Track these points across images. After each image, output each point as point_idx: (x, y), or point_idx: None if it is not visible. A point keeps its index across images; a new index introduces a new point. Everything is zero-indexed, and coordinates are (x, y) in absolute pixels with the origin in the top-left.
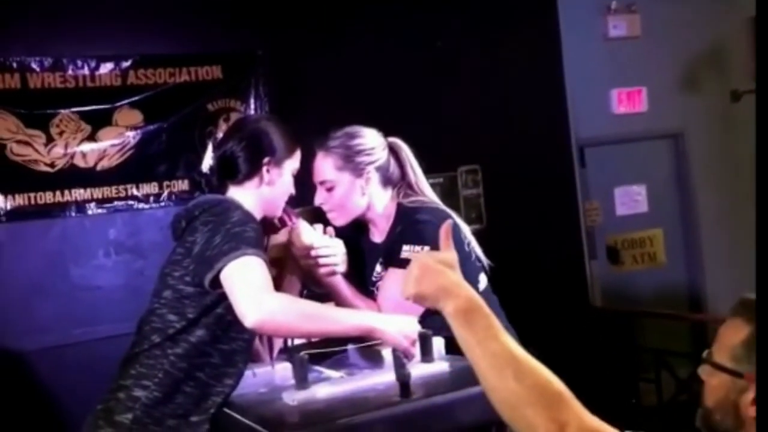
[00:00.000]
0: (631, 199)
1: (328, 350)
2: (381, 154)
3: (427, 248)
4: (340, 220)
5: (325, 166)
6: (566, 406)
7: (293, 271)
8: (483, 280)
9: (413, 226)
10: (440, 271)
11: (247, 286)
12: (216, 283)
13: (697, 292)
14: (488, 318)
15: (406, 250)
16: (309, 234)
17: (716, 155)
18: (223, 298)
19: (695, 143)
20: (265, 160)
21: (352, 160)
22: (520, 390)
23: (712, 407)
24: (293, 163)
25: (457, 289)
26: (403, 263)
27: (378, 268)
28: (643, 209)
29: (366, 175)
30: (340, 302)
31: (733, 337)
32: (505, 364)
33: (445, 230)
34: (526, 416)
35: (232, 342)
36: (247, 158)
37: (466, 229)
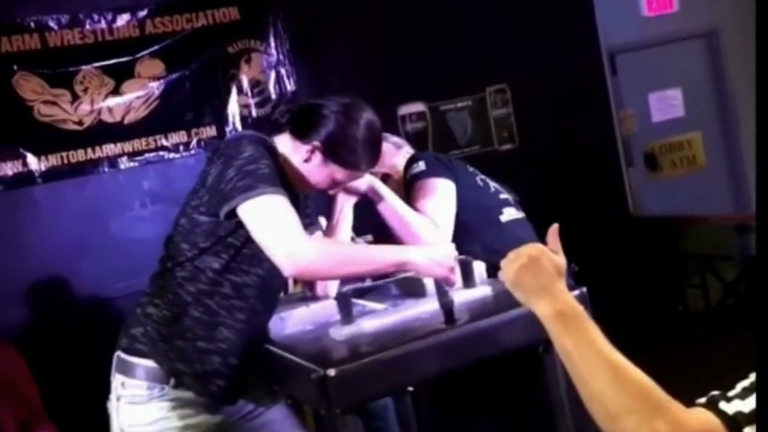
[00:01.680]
0: (667, 104)
1: (372, 284)
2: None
3: (422, 162)
4: (392, 181)
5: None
6: (669, 412)
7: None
8: (508, 212)
9: (408, 160)
10: (548, 270)
11: (277, 232)
12: (231, 214)
13: (740, 193)
14: (587, 323)
15: (409, 172)
16: None
17: (750, 51)
18: (238, 227)
19: (730, 41)
20: (315, 142)
21: (389, 139)
22: (621, 397)
23: None
24: (337, 175)
25: (559, 293)
26: (412, 180)
27: None
28: (680, 113)
29: (403, 151)
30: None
31: None
32: (605, 370)
33: (552, 232)
34: (628, 427)
35: (243, 275)
36: (308, 125)
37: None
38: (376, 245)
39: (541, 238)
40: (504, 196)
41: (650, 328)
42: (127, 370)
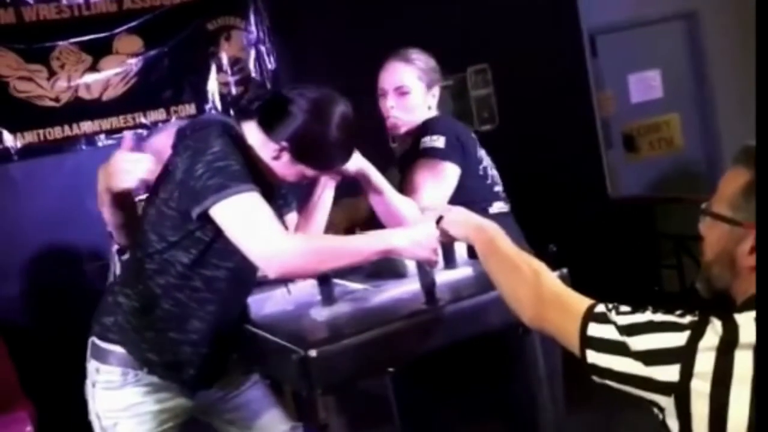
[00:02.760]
0: (646, 85)
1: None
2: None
3: (443, 138)
4: (402, 128)
5: (406, 72)
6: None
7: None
8: (496, 206)
9: (431, 122)
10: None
11: (255, 234)
12: (204, 217)
13: (716, 174)
14: (496, 239)
15: (425, 141)
16: None
17: (730, 33)
18: (207, 222)
19: (709, 22)
20: (283, 143)
21: (429, 75)
22: (516, 282)
23: (711, 260)
24: (308, 172)
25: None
26: (425, 152)
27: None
28: (658, 95)
29: (433, 92)
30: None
31: (732, 184)
32: (505, 268)
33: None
34: (523, 297)
35: (214, 269)
36: (276, 121)
37: (483, 153)
38: (358, 235)
39: (525, 230)
40: (498, 188)
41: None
42: (101, 356)
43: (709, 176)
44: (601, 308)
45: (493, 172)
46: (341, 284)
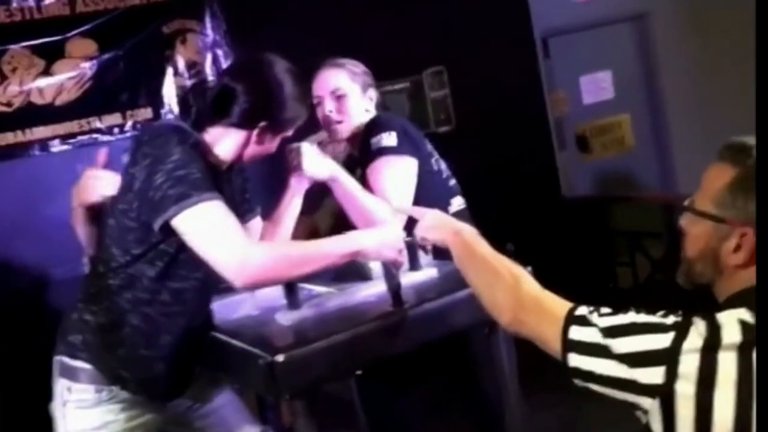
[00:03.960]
0: (597, 86)
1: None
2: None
3: (394, 133)
4: (343, 132)
5: (339, 76)
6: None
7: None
8: (455, 203)
9: (377, 121)
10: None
11: (220, 244)
12: (167, 227)
13: (667, 173)
14: (474, 243)
15: (376, 141)
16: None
17: (680, 35)
18: (170, 234)
19: (659, 24)
20: (262, 123)
21: (361, 78)
22: (495, 287)
23: (694, 257)
24: (288, 133)
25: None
26: (380, 152)
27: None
28: (609, 96)
29: (369, 94)
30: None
31: (716, 181)
32: (483, 271)
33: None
34: (501, 301)
35: (182, 281)
36: (244, 112)
37: (431, 147)
38: (325, 239)
39: (480, 229)
40: (452, 182)
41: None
42: (71, 374)
43: (660, 175)
44: (582, 311)
45: (444, 165)
46: (306, 288)
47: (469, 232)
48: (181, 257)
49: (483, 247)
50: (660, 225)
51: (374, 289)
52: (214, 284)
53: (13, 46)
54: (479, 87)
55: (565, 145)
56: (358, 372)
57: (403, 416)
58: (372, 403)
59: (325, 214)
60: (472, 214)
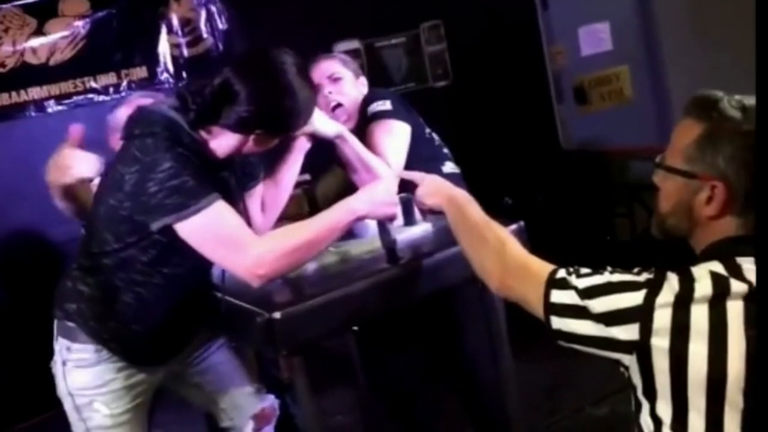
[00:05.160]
0: (595, 37)
1: None
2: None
3: (388, 101)
4: (343, 114)
5: (333, 63)
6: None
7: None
8: (448, 165)
9: (370, 94)
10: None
11: (226, 248)
12: (166, 228)
13: (665, 125)
14: (467, 206)
15: (372, 107)
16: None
17: None
18: (169, 231)
19: None
20: (260, 131)
21: (352, 65)
22: (482, 249)
23: (667, 212)
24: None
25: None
26: (374, 116)
27: None
28: (608, 47)
29: (361, 80)
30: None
31: (685, 137)
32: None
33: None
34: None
35: (176, 267)
36: (243, 120)
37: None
38: (320, 215)
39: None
40: (446, 150)
41: (581, 257)
42: (71, 334)
43: (658, 127)
44: (561, 273)
45: (436, 136)
46: None
47: (463, 197)
48: (174, 245)
49: (475, 212)
50: None
51: (370, 246)
52: (209, 266)
53: (4, 6)
54: (477, 41)
55: (563, 97)
56: (355, 328)
57: (400, 373)
58: (369, 359)
59: (327, 182)
60: (470, 169)
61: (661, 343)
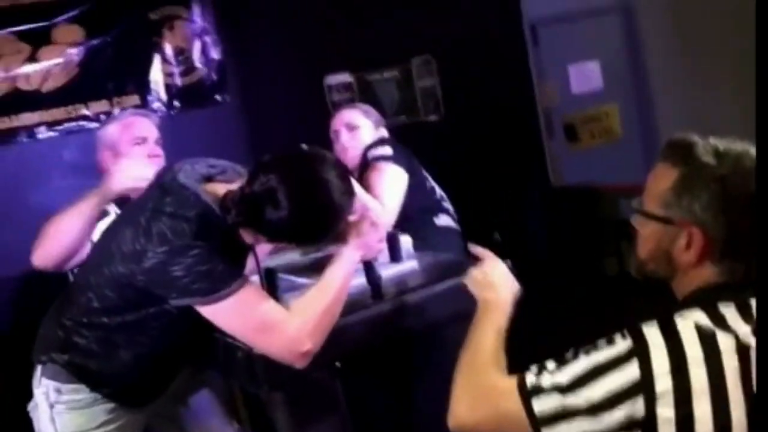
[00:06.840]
0: (586, 76)
1: (297, 262)
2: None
3: (389, 147)
4: (353, 161)
5: (352, 113)
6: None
7: None
8: (443, 218)
9: (373, 143)
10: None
11: (262, 334)
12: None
13: (653, 163)
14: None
15: (373, 152)
16: None
17: (667, 25)
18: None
19: (647, 15)
20: (292, 244)
21: (374, 115)
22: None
23: (645, 258)
24: None
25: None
26: (375, 159)
27: None
28: (598, 85)
29: (381, 131)
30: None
31: (661, 182)
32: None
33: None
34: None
35: (184, 336)
36: (278, 234)
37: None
38: (328, 273)
39: (469, 219)
40: (446, 205)
41: (571, 292)
42: (60, 377)
43: (646, 164)
44: (530, 379)
45: (438, 188)
46: (287, 279)
47: (499, 309)
48: (189, 313)
49: (493, 333)
50: None
51: (355, 281)
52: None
53: None
54: (468, 76)
55: (554, 133)
56: (338, 363)
57: (385, 408)
58: (353, 395)
59: None
60: (460, 203)
61: (667, 412)
